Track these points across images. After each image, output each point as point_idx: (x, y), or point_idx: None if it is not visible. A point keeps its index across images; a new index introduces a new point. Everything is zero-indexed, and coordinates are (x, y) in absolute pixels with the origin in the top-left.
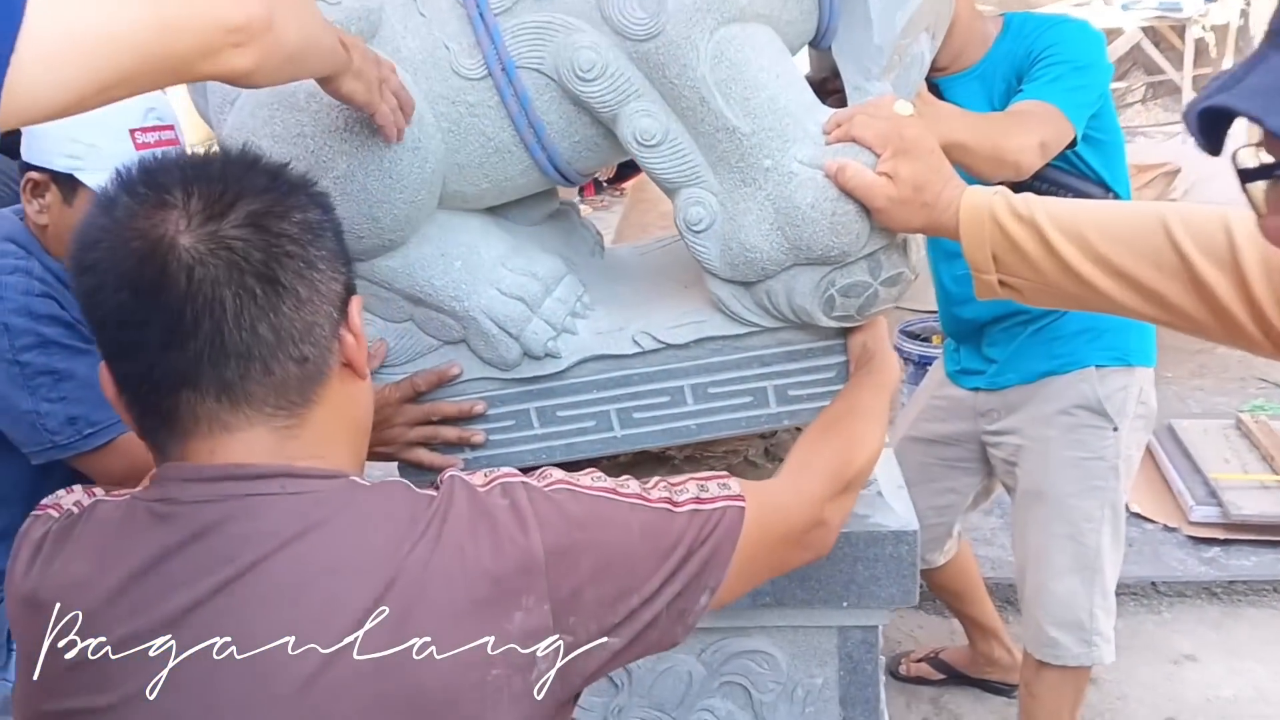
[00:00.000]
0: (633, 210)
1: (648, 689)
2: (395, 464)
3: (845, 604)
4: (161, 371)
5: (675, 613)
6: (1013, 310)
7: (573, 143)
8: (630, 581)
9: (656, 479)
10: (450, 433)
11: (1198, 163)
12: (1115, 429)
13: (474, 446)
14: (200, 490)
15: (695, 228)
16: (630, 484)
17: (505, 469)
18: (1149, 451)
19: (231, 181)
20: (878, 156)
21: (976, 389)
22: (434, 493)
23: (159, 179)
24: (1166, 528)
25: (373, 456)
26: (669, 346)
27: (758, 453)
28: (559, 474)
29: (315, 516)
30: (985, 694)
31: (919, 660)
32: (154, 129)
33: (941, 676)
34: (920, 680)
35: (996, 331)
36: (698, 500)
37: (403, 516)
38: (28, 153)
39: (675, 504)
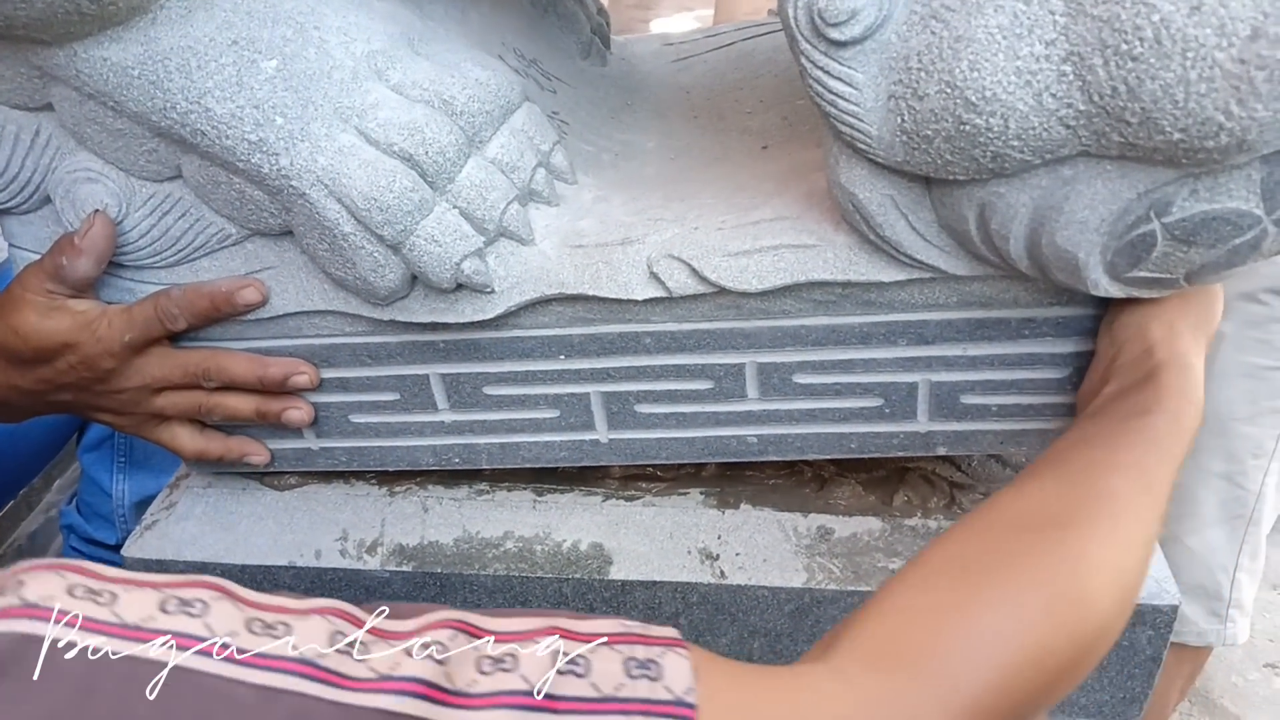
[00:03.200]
0: None
1: None
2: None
3: None
4: None
5: None
6: None
7: None
8: None
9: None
10: (240, 403)
11: None
12: None
13: (292, 427)
14: None
15: (835, 28)
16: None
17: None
18: None
19: None
20: None
21: None
22: None
23: None
24: None
25: (98, 420)
26: (725, 291)
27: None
28: None
29: None
30: None
31: None
32: None
33: None
34: None
35: None
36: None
37: None
38: None
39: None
